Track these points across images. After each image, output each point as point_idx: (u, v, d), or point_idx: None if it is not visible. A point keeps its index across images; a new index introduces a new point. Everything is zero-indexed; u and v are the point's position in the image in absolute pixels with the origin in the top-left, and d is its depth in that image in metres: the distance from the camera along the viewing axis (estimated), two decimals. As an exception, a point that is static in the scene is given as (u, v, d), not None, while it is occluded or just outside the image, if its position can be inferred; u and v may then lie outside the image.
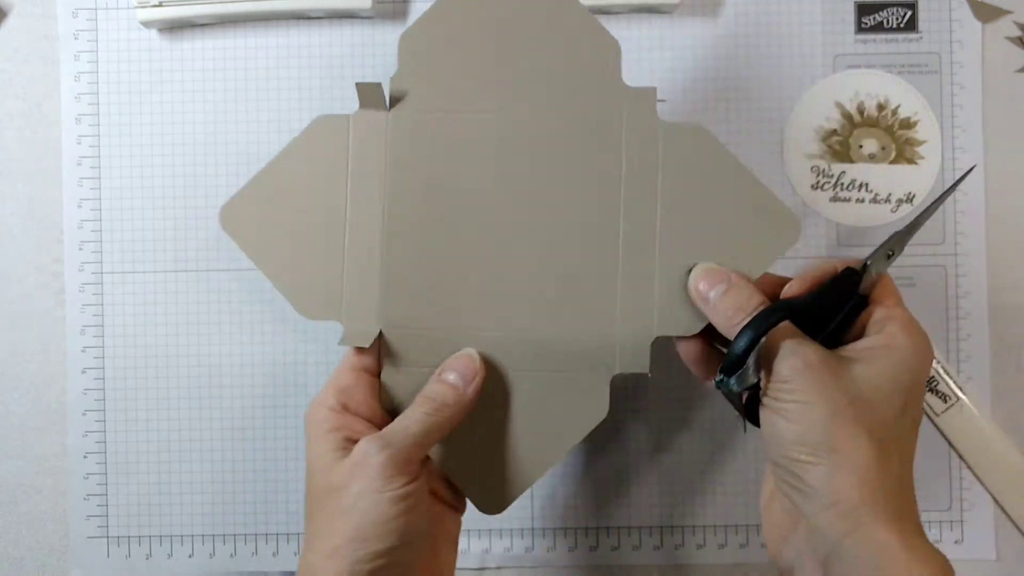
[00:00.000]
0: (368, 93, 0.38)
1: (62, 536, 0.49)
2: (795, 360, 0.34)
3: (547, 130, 0.38)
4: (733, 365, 0.34)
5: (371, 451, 0.34)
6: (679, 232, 0.38)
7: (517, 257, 0.38)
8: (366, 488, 0.33)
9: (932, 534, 0.49)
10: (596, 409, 0.38)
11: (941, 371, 0.48)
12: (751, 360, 0.34)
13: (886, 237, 0.37)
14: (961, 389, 0.48)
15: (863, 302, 0.36)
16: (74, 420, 0.49)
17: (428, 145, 0.38)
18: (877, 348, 0.35)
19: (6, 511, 0.49)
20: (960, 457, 0.49)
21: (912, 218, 0.38)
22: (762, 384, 0.35)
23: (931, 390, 0.48)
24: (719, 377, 0.35)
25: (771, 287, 0.38)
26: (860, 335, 0.36)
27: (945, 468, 0.49)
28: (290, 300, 0.38)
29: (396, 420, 0.36)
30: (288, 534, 0.49)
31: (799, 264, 0.49)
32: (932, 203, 0.38)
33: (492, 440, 0.38)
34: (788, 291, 0.37)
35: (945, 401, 0.48)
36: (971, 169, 0.41)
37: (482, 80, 0.38)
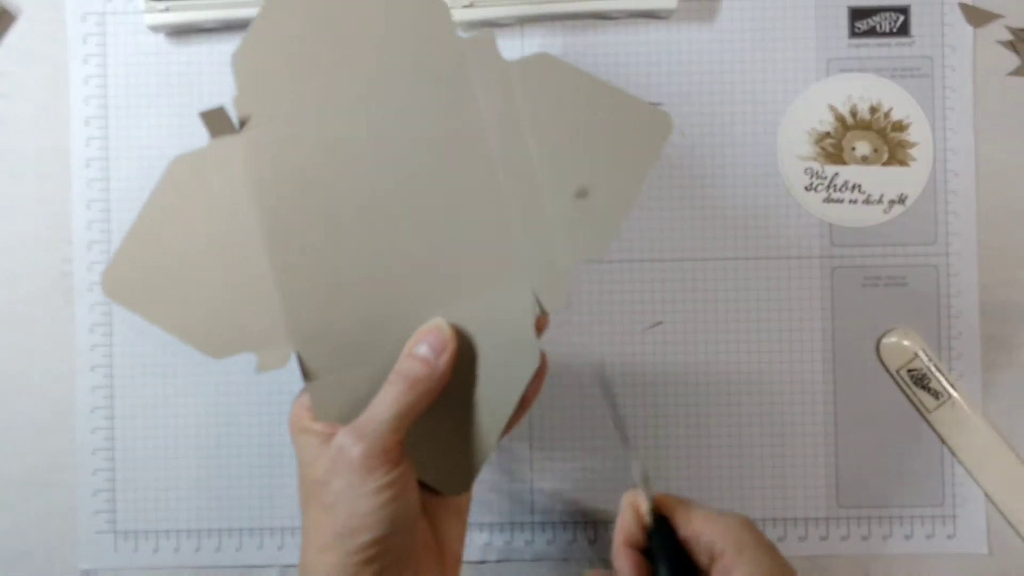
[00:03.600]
0: (214, 121, 0.36)
1: (70, 531, 0.50)
2: None
3: (402, 107, 0.37)
4: None
5: (347, 444, 0.33)
6: (557, 159, 0.37)
7: (410, 238, 0.37)
8: (347, 482, 0.33)
9: (924, 529, 0.49)
10: (529, 360, 0.37)
11: (933, 369, 0.49)
12: None
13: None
14: (953, 386, 0.49)
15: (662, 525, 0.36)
16: (82, 417, 0.50)
17: (290, 156, 0.37)
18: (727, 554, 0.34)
19: (15, 507, 0.50)
20: (952, 453, 0.49)
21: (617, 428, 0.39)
22: None
23: (923, 387, 0.49)
24: None
25: (667, 508, 0.37)
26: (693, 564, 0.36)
27: (937, 464, 0.50)
28: (195, 346, 0.37)
29: (370, 406, 0.35)
30: (293, 528, 0.50)
31: (792, 265, 0.50)
32: (613, 414, 0.39)
33: (437, 419, 0.37)
34: (617, 545, 0.37)
35: (937, 398, 0.49)
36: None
37: (324, 79, 0.37)
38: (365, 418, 0.34)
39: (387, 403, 0.34)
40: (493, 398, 0.38)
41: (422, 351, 0.36)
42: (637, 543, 0.37)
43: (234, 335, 0.37)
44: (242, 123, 0.37)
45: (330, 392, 0.37)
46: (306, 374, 0.37)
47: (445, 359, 0.36)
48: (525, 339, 0.37)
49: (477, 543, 0.50)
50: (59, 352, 0.50)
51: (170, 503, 0.50)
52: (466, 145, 0.37)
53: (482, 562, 0.50)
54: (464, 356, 0.37)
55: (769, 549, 0.35)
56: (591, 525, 0.50)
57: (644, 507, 0.36)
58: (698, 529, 0.35)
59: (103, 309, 0.50)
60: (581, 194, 0.38)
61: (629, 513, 0.37)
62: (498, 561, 0.50)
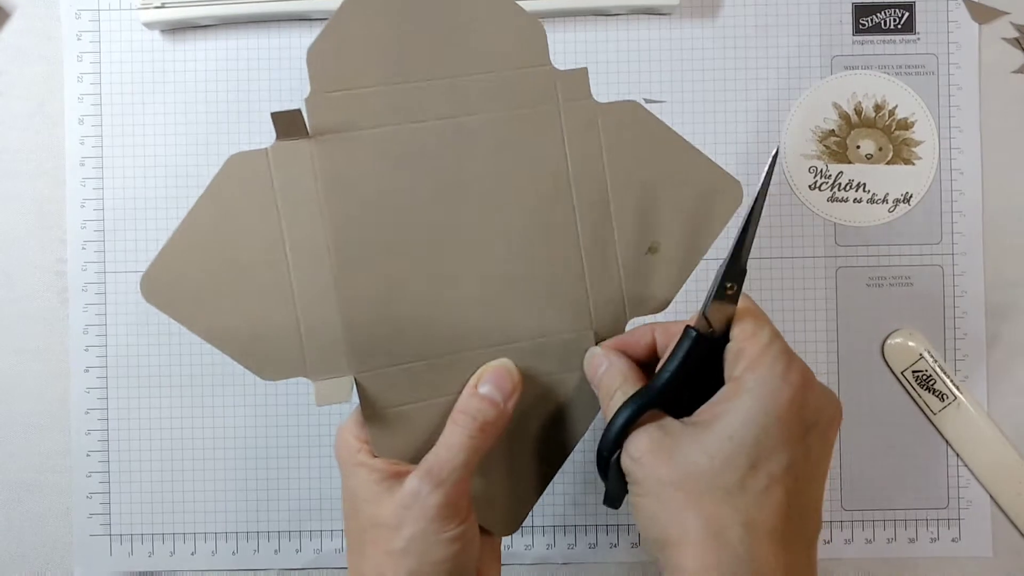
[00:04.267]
0: (286, 122, 0.34)
1: (65, 534, 0.50)
2: (632, 451, 0.31)
3: (484, 128, 0.36)
4: (600, 472, 0.33)
5: (423, 491, 0.32)
6: (633, 211, 0.37)
7: (479, 267, 0.36)
8: (421, 531, 0.32)
9: (929, 533, 0.49)
10: (591, 405, 0.37)
11: (938, 370, 0.48)
12: (615, 475, 0.32)
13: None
14: (958, 388, 0.48)
15: (722, 342, 0.33)
16: (77, 418, 0.49)
17: (363, 167, 0.35)
18: (720, 403, 0.31)
19: (9, 509, 0.50)
20: (957, 455, 0.49)
21: (736, 242, 0.33)
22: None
23: (928, 389, 0.48)
24: (604, 495, 0.33)
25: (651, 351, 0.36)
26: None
27: (942, 466, 0.49)
28: (245, 365, 0.34)
29: (438, 447, 0.33)
30: (290, 532, 0.49)
31: (797, 264, 0.49)
32: (748, 221, 0.32)
33: (495, 458, 0.36)
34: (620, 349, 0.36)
35: (942, 400, 0.48)
36: (775, 152, 0.34)
37: (405, 87, 0.35)
38: (438, 462, 0.33)
39: (457, 446, 0.33)
40: (552, 439, 0.37)
41: (487, 391, 0.35)
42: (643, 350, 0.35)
43: (290, 357, 0.34)
44: (315, 126, 0.34)
45: (391, 427, 0.35)
46: (366, 408, 0.35)
47: (512, 402, 0.35)
48: (588, 386, 0.37)
49: (477, 546, 0.49)
50: (53, 353, 0.50)
51: (166, 506, 0.49)
52: (546, 177, 0.36)
53: (482, 566, 0.49)
54: (524, 396, 0.36)
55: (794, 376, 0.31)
56: (591, 529, 0.49)
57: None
58: (732, 356, 0.32)
59: (98, 310, 0.49)
60: (652, 250, 0.37)
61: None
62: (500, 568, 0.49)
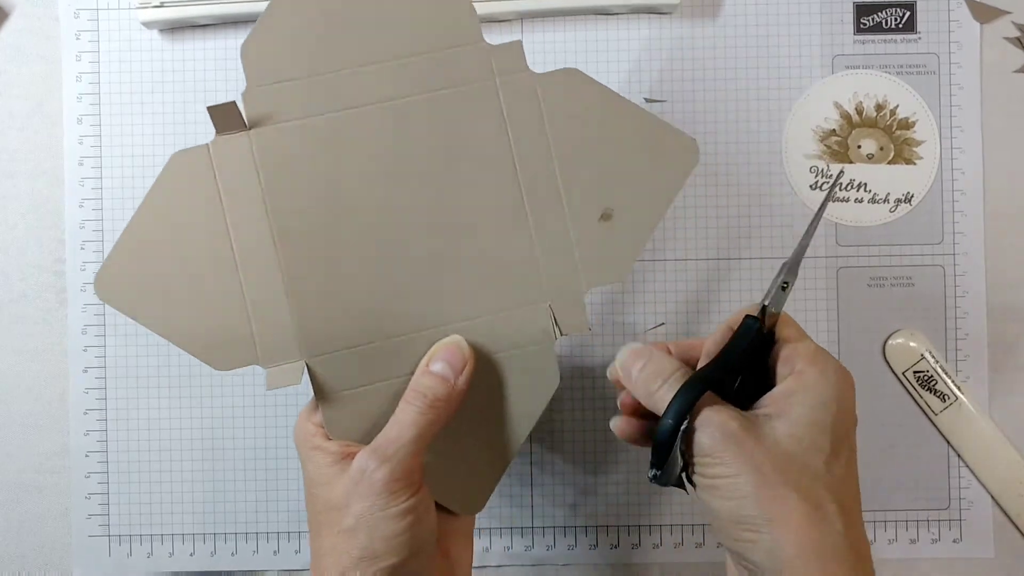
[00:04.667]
0: (223, 116, 0.34)
1: (64, 535, 0.50)
2: (714, 431, 0.32)
3: (421, 109, 0.36)
4: (659, 450, 0.33)
5: (369, 467, 0.33)
6: (582, 180, 0.36)
7: (429, 249, 0.36)
8: (369, 506, 0.32)
9: (931, 533, 0.49)
10: (549, 380, 0.37)
11: (939, 370, 0.48)
12: (677, 446, 0.32)
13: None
14: (959, 388, 0.48)
15: (770, 341, 0.35)
16: (75, 419, 0.49)
17: (302, 156, 0.35)
18: (790, 395, 0.33)
19: (8, 510, 0.50)
20: (958, 456, 0.49)
21: (800, 246, 0.37)
22: (689, 461, 0.33)
23: (929, 389, 0.48)
24: (650, 473, 0.34)
25: (690, 351, 0.37)
26: (773, 380, 0.35)
27: (943, 467, 0.49)
28: (198, 357, 0.35)
29: (388, 426, 0.34)
30: (289, 532, 0.49)
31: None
32: (811, 225, 0.37)
33: (453, 436, 0.36)
34: (705, 351, 0.36)
35: (944, 400, 0.48)
36: (840, 173, 0.39)
37: (339, 75, 0.35)
38: (386, 439, 0.34)
39: (407, 423, 0.34)
40: (510, 418, 0.37)
41: (439, 368, 0.35)
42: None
43: (241, 347, 0.35)
44: (252, 119, 0.35)
45: (344, 409, 0.36)
46: (319, 391, 0.36)
47: (464, 378, 0.35)
48: (545, 360, 0.37)
49: (476, 548, 0.49)
50: (51, 354, 0.49)
51: (165, 507, 0.49)
52: (489, 153, 0.36)
53: (481, 567, 0.49)
54: (480, 374, 0.36)
55: (845, 402, 0.33)
56: (591, 530, 0.49)
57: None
58: (793, 348, 0.34)
59: (96, 310, 0.49)
60: (605, 217, 0.37)
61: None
62: (497, 566, 0.49)
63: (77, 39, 0.49)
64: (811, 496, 0.31)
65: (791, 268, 0.36)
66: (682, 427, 0.32)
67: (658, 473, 0.33)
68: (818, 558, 0.30)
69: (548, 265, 0.36)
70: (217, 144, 0.35)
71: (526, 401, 0.37)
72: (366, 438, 0.35)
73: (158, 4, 0.47)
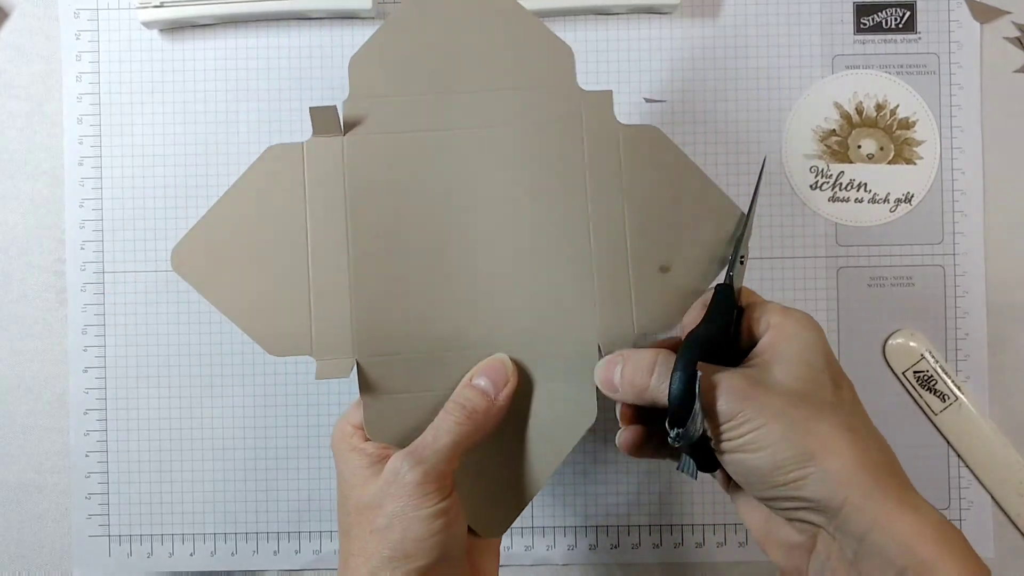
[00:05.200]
0: (322, 118, 0.37)
1: (64, 535, 0.50)
2: (728, 394, 0.32)
3: (508, 142, 0.38)
4: (679, 409, 0.33)
5: (403, 468, 0.33)
6: (647, 230, 0.38)
7: (491, 273, 0.37)
8: (402, 507, 0.33)
9: (930, 533, 0.49)
10: (585, 415, 0.38)
11: (939, 370, 0.48)
12: (697, 406, 0.33)
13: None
14: (959, 388, 0.48)
15: (740, 311, 0.36)
16: (76, 419, 0.49)
17: (388, 168, 0.37)
18: (775, 344, 0.34)
19: (8, 510, 0.50)
20: (958, 456, 0.49)
21: (747, 221, 0.38)
22: (709, 433, 0.33)
23: (929, 389, 0.48)
24: (672, 433, 0.33)
25: (668, 343, 0.38)
26: (749, 343, 0.36)
27: (943, 467, 0.49)
28: (256, 339, 0.37)
29: (426, 432, 0.35)
30: (289, 532, 0.49)
31: (798, 264, 0.49)
32: (751, 204, 0.38)
33: (486, 458, 0.37)
34: (684, 327, 0.37)
35: (943, 400, 0.48)
36: (764, 161, 0.42)
37: (438, 98, 0.37)
38: (422, 443, 0.34)
39: (443, 431, 0.35)
40: (543, 446, 0.38)
41: (482, 383, 0.36)
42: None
43: (298, 336, 0.37)
44: (348, 126, 0.37)
45: (386, 412, 0.37)
46: (364, 390, 0.37)
47: (505, 395, 0.36)
48: (585, 395, 0.37)
49: (476, 547, 0.49)
50: (51, 354, 0.49)
51: (165, 507, 0.49)
52: (564, 193, 0.38)
53: (481, 567, 0.49)
54: (521, 399, 0.37)
55: (823, 342, 0.34)
56: (591, 530, 0.49)
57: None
58: (764, 309, 0.35)
59: (96, 310, 0.49)
60: (664, 269, 0.38)
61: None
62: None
63: (77, 39, 0.49)
64: (837, 422, 0.32)
65: (743, 243, 0.38)
66: (696, 380, 0.33)
67: (680, 431, 0.33)
68: (871, 472, 0.31)
69: (604, 305, 0.38)
70: (312, 144, 0.37)
71: (560, 433, 0.38)
72: (403, 443, 0.36)
73: (158, 4, 0.47)
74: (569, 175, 0.38)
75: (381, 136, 0.37)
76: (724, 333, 0.35)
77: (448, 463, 0.34)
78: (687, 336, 0.36)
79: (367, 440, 0.36)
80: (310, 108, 0.36)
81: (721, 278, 0.37)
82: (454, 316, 0.37)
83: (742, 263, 0.37)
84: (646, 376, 0.34)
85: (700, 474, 0.36)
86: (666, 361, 0.34)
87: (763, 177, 0.36)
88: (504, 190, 0.38)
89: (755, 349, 0.35)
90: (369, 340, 0.37)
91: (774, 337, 0.34)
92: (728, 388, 0.32)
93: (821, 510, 0.32)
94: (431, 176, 0.37)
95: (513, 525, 0.49)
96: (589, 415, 0.38)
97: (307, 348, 0.37)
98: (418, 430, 0.36)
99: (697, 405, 0.32)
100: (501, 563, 0.49)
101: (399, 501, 0.33)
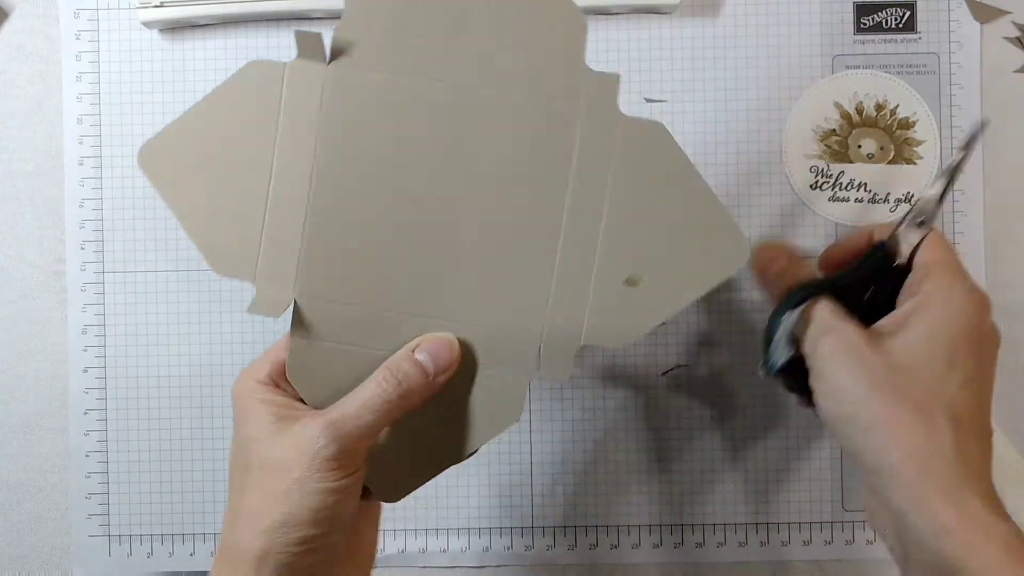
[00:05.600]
0: (307, 43, 0.35)
1: (64, 535, 0.50)
2: (830, 339, 0.34)
3: (499, 108, 0.35)
4: (768, 342, 0.35)
5: (320, 441, 0.33)
6: (624, 236, 0.35)
7: (451, 239, 0.35)
8: (307, 476, 0.32)
9: (931, 533, 0.49)
10: (511, 412, 0.36)
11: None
12: (783, 339, 0.34)
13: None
14: (959, 388, 0.48)
15: (903, 273, 0.36)
16: (75, 419, 0.49)
17: (367, 107, 0.35)
18: (912, 314, 0.34)
19: (8, 510, 0.50)
20: (958, 456, 0.49)
21: (940, 183, 0.37)
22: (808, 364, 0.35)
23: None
24: (761, 362, 0.35)
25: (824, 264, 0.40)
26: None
27: (944, 467, 0.49)
28: (201, 251, 0.36)
29: (349, 401, 0.34)
30: (289, 533, 0.49)
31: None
32: (957, 161, 0.37)
33: (400, 426, 0.36)
34: (824, 262, 0.38)
35: (944, 400, 0.48)
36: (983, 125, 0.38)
37: (433, 45, 0.35)
38: (342, 416, 0.33)
39: (368, 407, 0.33)
40: (467, 428, 0.36)
41: (423, 358, 0.35)
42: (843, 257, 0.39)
43: (244, 259, 0.35)
44: (335, 54, 0.35)
45: (313, 359, 0.35)
46: (296, 330, 0.35)
47: (443, 379, 0.35)
48: (515, 393, 0.36)
49: (476, 548, 0.49)
50: (51, 353, 0.49)
51: (165, 507, 0.49)
52: (546, 173, 0.35)
53: (481, 567, 0.49)
54: (460, 376, 0.36)
55: (981, 336, 0.35)
56: (591, 530, 0.49)
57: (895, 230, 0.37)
58: (921, 277, 0.35)
59: (96, 310, 0.49)
60: (631, 282, 0.35)
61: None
62: (497, 566, 0.49)
63: (77, 39, 0.49)
64: (922, 407, 0.32)
65: (932, 205, 0.36)
66: (795, 312, 0.34)
67: (764, 361, 0.35)
68: (922, 462, 0.31)
69: (556, 307, 0.36)
70: (294, 66, 0.35)
71: (483, 423, 0.36)
72: (322, 396, 0.35)
73: (158, 4, 0.47)
74: (556, 158, 0.35)
75: (367, 73, 0.35)
76: (864, 289, 0.36)
77: (367, 439, 0.34)
78: (814, 279, 0.37)
79: (275, 394, 0.35)
80: (295, 31, 0.34)
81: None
82: (406, 277, 0.36)
83: (920, 225, 0.36)
84: (781, 277, 0.37)
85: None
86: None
87: (972, 141, 0.36)
88: (486, 159, 0.35)
89: (890, 315, 0.35)
90: (314, 280, 0.35)
91: (912, 306, 0.34)
92: (835, 332, 0.34)
93: (873, 475, 0.33)
94: (408, 127, 0.35)
95: (513, 525, 0.49)
96: (515, 413, 0.36)
97: (250, 273, 0.35)
98: (341, 387, 0.35)
99: (780, 343, 0.34)
100: (501, 563, 0.49)
101: (307, 471, 0.32)
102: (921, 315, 0.34)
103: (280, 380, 0.36)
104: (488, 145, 0.35)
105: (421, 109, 0.35)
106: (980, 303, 0.35)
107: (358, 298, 0.36)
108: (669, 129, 0.35)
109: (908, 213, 0.36)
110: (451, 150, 0.35)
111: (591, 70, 0.35)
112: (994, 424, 0.48)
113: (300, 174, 0.35)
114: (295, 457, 0.33)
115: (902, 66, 0.49)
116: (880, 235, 0.37)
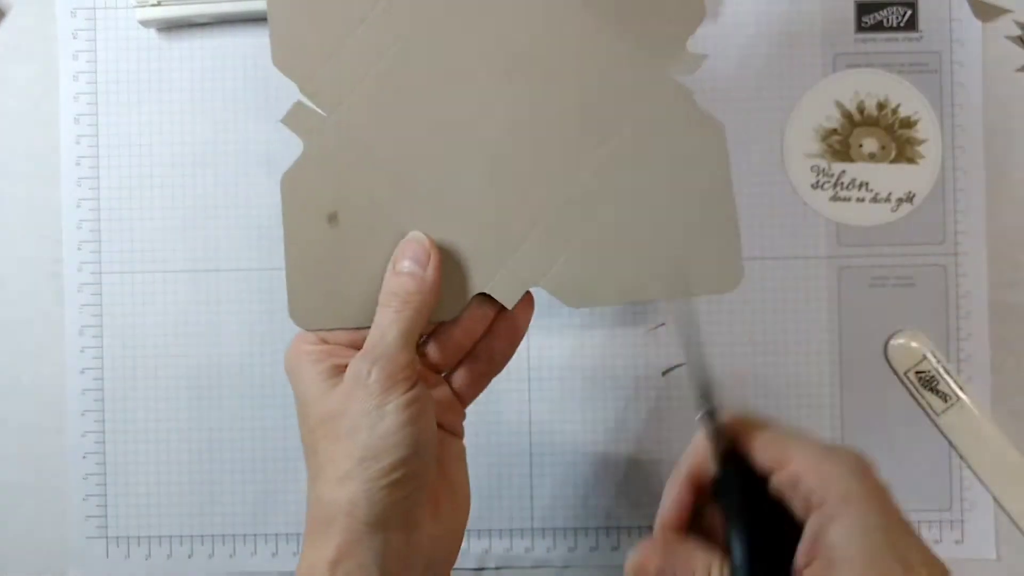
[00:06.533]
0: None
1: (61, 536, 0.49)
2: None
3: (572, 48, 0.35)
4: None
5: (362, 369, 0.33)
6: (632, 208, 0.35)
7: (475, 153, 0.35)
8: (367, 406, 0.32)
9: (932, 534, 0.48)
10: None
11: (941, 371, 0.48)
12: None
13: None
14: (961, 389, 0.48)
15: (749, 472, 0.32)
16: (73, 420, 0.49)
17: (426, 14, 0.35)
18: (825, 532, 0.30)
19: (5, 512, 0.49)
20: (960, 457, 0.49)
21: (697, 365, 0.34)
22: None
23: (931, 390, 0.48)
24: None
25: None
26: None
27: (945, 468, 0.49)
28: (272, 38, 0.36)
29: (371, 331, 0.34)
30: (287, 534, 0.49)
31: (799, 264, 0.49)
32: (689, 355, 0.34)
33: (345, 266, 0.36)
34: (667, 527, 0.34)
35: (945, 401, 0.48)
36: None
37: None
38: (371, 343, 0.34)
39: (387, 323, 0.34)
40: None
41: (406, 266, 0.35)
42: (702, 479, 0.34)
43: (308, 67, 0.36)
44: None
45: (310, 294, 0.35)
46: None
47: (432, 268, 0.35)
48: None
49: (476, 550, 0.49)
50: (49, 355, 0.49)
51: (163, 508, 0.49)
52: (594, 126, 0.35)
53: (480, 569, 0.49)
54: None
55: (882, 501, 0.31)
56: (592, 531, 0.49)
57: (706, 448, 0.33)
58: (796, 474, 0.31)
59: (93, 311, 0.49)
60: (612, 253, 0.35)
61: (701, 444, 0.34)
62: (497, 568, 0.49)
63: (74, 38, 0.49)
64: None
65: (706, 392, 0.33)
66: None
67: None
68: None
69: (536, 242, 0.35)
70: (311, 141, 0.36)
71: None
72: (330, 323, 0.35)
73: (155, 3, 0.47)
74: (612, 111, 0.35)
75: None
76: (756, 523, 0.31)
77: (404, 353, 0.34)
78: (734, 538, 0.31)
79: (325, 353, 0.35)
80: None
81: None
82: (414, 184, 0.35)
83: (712, 415, 0.33)
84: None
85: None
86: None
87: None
88: (547, 87, 0.35)
89: (803, 549, 0.30)
90: (340, 148, 0.35)
91: (819, 521, 0.30)
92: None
93: None
94: (482, 37, 0.35)
95: (513, 526, 0.49)
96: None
97: (306, 83, 0.36)
98: (343, 307, 0.35)
99: None
100: (501, 565, 0.49)
101: (363, 403, 0.32)
102: (843, 533, 0.29)
103: (327, 336, 0.36)
104: (556, 75, 0.35)
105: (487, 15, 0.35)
106: (865, 467, 0.31)
107: (361, 197, 0.35)
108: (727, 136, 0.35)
109: (704, 425, 0.33)
110: (512, 67, 0.35)
111: (689, 51, 0.35)
112: (994, 424, 0.48)
113: (383, 34, 0.35)
114: (349, 395, 0.33)
115: (904, 65, 0.49)
116: (703, 471, 0.33)
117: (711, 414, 0.33)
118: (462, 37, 0.35)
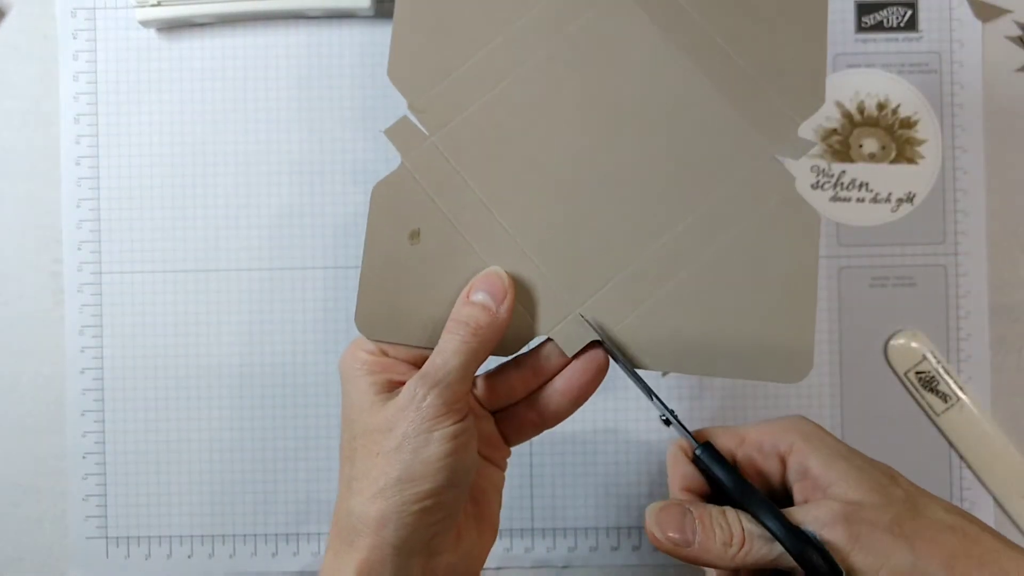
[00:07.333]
0: (401, 135, 0.36)
1: (61, 536, 0.49)
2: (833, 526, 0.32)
3: (679, 108, 0.35)
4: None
5: (419, 391, 0.33)
6: (710, 282, 0.35)
7: (560, 207, 0.35)
8: (415, 428, 0.32)
9: (932, 534, 0.48)
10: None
11: (941, 371, 0.48)
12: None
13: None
14: (962, 389, 0.48)
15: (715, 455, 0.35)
16: (73, 420, 0.49)
17: (487, 133, 0.36)
18: (802, 462, 0.34)
19: (5, 512, 0.49)
20: (960, 457, 0.49)
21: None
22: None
23: (931, 390, 0.48)
24: None
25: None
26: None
27: (945, 468, 0.49)
28: (392, 54, 0.36)
29: (433, 355, 0.34)
30: (287, 535, 0.49)
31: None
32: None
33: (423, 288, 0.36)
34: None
35: (945, 401, 0.48)
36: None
37: (488, 50, 0.36)
38: (433, 366, 0.34)
39: (451, 351, 0.34)
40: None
41: (480, 298, 0.35)
42: (694, 484, 0.37)
43: (421, 82, 0.36)
44: (430, 128, 0.36)
45: (379, 305, 0.35)
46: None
47: (506, 307, 0.35)
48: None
49: (476, 549, 0.49)
50: (49, 355, 0.49)
51: (163, 509, 0.49)
52: (688, 188, 0.35)
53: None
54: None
55: (833, 436, 0.35)
56: (592, 531, 0.49)
57: (684, 441, 0.36)
58: (756, 439, 0.36)
59: (93, 311, 0.49)
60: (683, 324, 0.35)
61: (679, 456, 0.37)
62: (497, 568, 0.49)
63: (74, 38, 0.49)
64: (939, 527, 0.32)
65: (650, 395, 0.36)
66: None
67: None
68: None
69: (612, 290, 0.36)
70: (409, 158, 0.35)
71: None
72: (390, 336, 0.35)
73: (155, 3, 0.47)
74: (707, 177, 0.35)
75: (465, 115, 0.36)
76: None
77: (462, 384, 0.34)
78: (743, 494, 0.34)
79: (381, 365, 0.35)
80: (385, 132, 0.35)
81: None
82: (499, 218, 0.35)
83: (674, 418, 0.35)
84: (735, 552, 0.33)
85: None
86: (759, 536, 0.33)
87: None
88: (653, 138, 0.35)
89: (803, 506, 0.33)
90: (435, 168, 0.35)
91: (798, 460, 0.34)
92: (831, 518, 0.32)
93: None
94: (531, 115, 0.36)
95: (513, 527, 0.49)
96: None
97: (417, 95, 0.36)
98: (407, 326, 0.35)
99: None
100: (501, 565, 0.49)
101: (412, 424, 0.32)
102: (812, 459, 0.34)
103: (388, 348, 0.36)
104: (657, 132, 0.35)
105: (524, 95, 0.36)
106: (799, 418, 0.36)
107: (467, 176, 0.36)
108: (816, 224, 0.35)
109: (666, 415, 0.36)
110: (615, 118, 0.35)
111: (799, 135, 0.35)
112: (994, 424, 0.48)
113: (509, 51, 0.36)
114: (399, 414, 0.33)
115: (904, 65, 0.49)
116: (685, 448, 0.37)
117: (668, 421, 0.36)
118: (572, 81, 0.36)
